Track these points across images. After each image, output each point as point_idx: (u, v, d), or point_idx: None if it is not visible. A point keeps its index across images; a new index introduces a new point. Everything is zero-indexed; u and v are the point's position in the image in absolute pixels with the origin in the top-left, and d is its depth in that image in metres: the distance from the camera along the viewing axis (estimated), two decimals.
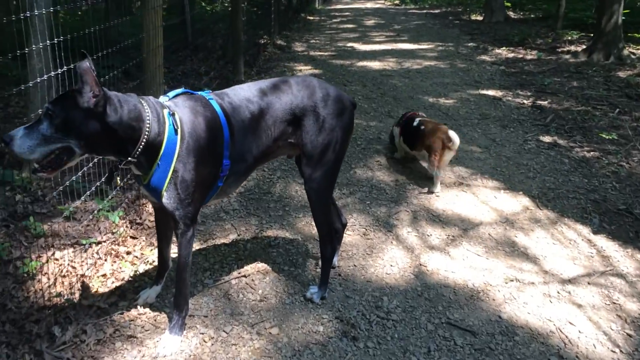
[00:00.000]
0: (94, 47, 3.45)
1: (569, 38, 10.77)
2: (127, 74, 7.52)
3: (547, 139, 5.65)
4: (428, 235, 3.76)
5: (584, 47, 9.83)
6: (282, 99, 2.63)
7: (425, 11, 19.13)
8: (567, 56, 9.16)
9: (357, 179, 4.65)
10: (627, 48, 8.99)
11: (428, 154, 4.41)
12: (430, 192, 4.38)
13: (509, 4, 15.12)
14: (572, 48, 9.90)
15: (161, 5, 4.01)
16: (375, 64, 9.06)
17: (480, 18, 15.39)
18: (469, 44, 10.86)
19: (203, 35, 10.72)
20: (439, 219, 4.00)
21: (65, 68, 3.05)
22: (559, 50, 9.86)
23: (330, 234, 2.93)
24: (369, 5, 25.01)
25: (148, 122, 2.27)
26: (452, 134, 4.29)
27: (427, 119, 4.74)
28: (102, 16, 10.22)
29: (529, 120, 6.20)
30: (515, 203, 4.27)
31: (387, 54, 10.05)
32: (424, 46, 10.84)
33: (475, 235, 3.78)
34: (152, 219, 3.72)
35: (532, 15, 15.09)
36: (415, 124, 4.63)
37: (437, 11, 18.92)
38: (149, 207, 3.90)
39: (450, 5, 20.61)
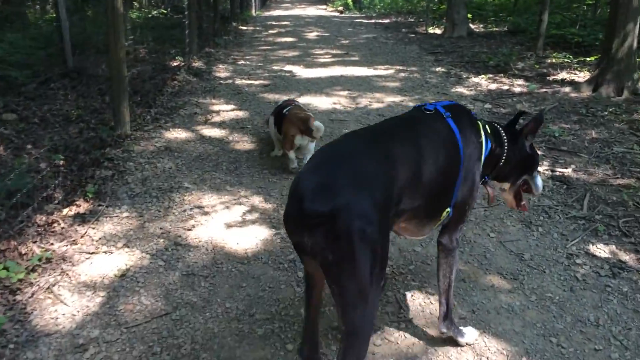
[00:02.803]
0: None
1: (554, 61, 8.85)
2: None
3: (601, 250, 3.50)
4: None
5: (584, 74, 7.91)
6: None
7: (373, 21, 17.06)
8: (566, 89, 7.16)
9: None
10: None
11: (284, 138, 4.47)
12: (290, 168, 4.52)
13: (469, 16, 13.21)
14: (566, 76, 7.94)
15: None
16: (321, 101, 6.77)
17: (438, 31, 13.42)
18: (437, 69, 8.73)
19: (96, 52, 8.14)
20: None
21: None
22: (551, 78, 7.87)
23: None
24: (310, 11, 22.84)
25: None
26: (317, 124, 4.26)
27: (298, 108, 4.61)
28: None
29: (558, 209, 4.05)
30: None
31: (336, 82, 7.78)
32: (382, 71, 8.64)
33: None
34: None
35: (496, 29, 13.24)
36: (285, 111, 4.54)
37: (386, 21, 16.89)
38: None
39: (400, 14, 18.65)
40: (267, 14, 22.14)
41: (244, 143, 5.24)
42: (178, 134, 5.44)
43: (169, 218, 3.75)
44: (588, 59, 8.17)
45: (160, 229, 3.60)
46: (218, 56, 9.85)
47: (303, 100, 6.78)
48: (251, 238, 3.53)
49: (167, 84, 7.24)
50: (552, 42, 10.04)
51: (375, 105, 6.57)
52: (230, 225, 3.69)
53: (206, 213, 3.84)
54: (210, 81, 7.80)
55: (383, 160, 1.95)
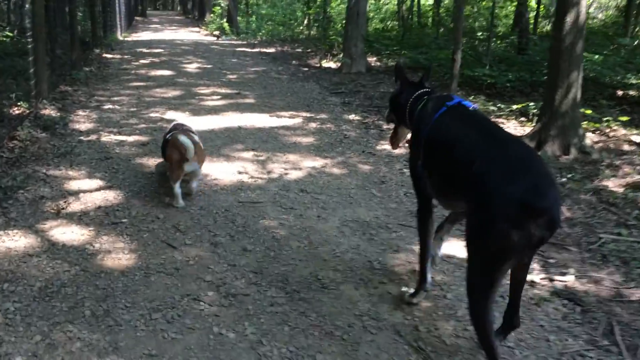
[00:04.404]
0: None
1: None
2: None
3: None
4: None
5: (513, 124, 7.08)
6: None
7: (257, 50, 15.69)
8: None
9: None
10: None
11: (169, 165, 4.22)
12: (174, 206, 4.19)
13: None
14: None
15: None
16: (222, 169, 5.18)
17: (332, 65, 12.34)
18: (351, 117, 7.50)
19: None
20: None
21: None
22: None
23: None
24: (183, 35, 21.01)
25: None
26: (184, 139, 4.04)
27: (182, 132, 4.31)
28: None
29: (592, 356, 2.86)
30: None
31: (235, 138, 6.22)
32: (287, 119, 7.22)
33: None
34: None
35: (393, 63, 12.46)
36: (168, 136, 4.34)
37: (272, 50, 15.60)
38: None
39: (284, 42, 17.47)
40: (135, 37, 19.91)
41: (118, 254, 3.51)
42: (12, 242, 3.57)
43: None
44: (514, 106, 7.39)
45: None
46: (77, 97, 7.84)
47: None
48: None
49: (4, 145, 5.23)
50: (460, 82, 9.27)
51: (293, 174, 5.12)
52: None
53: None
54: (66, 138, 5.87)
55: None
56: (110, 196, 4.38)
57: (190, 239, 3.76)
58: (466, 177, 2.43)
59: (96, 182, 4.66)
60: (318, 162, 5.51)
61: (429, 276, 3.12)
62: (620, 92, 9.18)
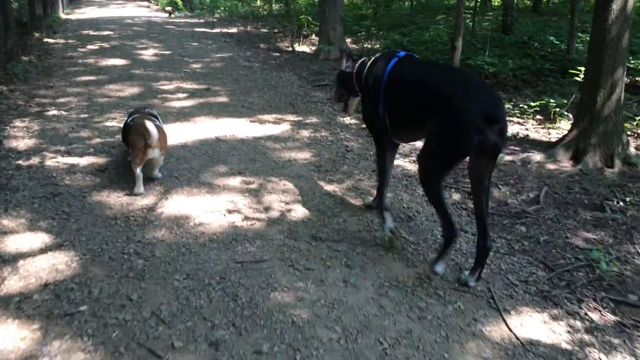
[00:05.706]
0: None
1: None
2: None
3: None
4: None
5: (532, 124, 6.18)
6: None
7: (218, 30, 14.29)
8: (537, 156, 5.30)
9: None
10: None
11: (131, 150, 4.07)
12: (134, 194, 4.05)
13: None
14: (517, 130, 6.13)
15: None
16: (206, 209, 4.06)
17: (306, 49, 11.18)
18: (346, 120, 6.43)
19: None
20: None
21: None
22: None
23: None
24: (132, 11, 19.33)
25: None
26: (150, 125, 3.94)
27: (144, 116, 4.27)
28: None
29: None
30: None
31: (215, 156, 5.09)
32: (273, 125, 6.09)
33: None
34: None
35: (368, 45, 11.40)
36: (129, 120, 4.32)
37: (234, 31, 14.25)
38: None
39: (246, 20, 16.08)
40: (79, 14, 18.09)
41: None
42: None
43: None
44: (533, 103, 6.46)
45: None
46: (14, 100, 6.49)
47: (175, 207, 4.02)
48: None
49: None
50: None
51: (298, 211, 4.05)
52: None
53: None
54: (0, 163, 4.61)
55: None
56: (61, 262, 3.23)
57: (179, 336, 2.68)
58: (434, 102, 2.93)
59: (41, 238, 3.48)
60: (324, 187, 4.46)
61: (386, 200, 3.75)
62: (626, 80, 8.41)
